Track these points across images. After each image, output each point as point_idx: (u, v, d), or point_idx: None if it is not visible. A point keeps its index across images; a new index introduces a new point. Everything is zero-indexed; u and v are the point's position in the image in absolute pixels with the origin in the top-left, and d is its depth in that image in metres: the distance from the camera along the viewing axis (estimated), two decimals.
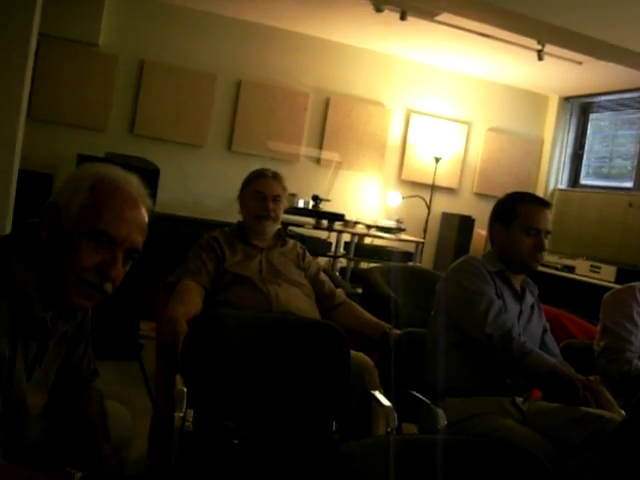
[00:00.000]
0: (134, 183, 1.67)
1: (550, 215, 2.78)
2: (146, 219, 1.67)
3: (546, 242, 2.73)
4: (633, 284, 3.27)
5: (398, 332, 2.98)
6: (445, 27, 6.19)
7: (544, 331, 2.87)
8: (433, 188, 7.76)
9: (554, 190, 8.71)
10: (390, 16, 5.89)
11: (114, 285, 1.63)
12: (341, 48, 7.56)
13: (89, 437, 1.79)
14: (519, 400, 2.57)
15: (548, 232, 2.75)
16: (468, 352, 2.62)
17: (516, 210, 2.76)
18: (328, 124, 7.62)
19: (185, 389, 2.31)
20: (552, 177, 8.73)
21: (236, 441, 2.40)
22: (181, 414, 2.26)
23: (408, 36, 6.85)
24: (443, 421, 2.43)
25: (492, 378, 2.59)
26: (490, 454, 1.58)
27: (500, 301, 2.66)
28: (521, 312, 2.76)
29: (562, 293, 6.74)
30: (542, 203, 2.80)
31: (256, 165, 3.63)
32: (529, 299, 2.84)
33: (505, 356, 2.52)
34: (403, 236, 7.24)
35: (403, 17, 5.80)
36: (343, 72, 7.63)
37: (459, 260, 2.83)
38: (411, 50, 7.53)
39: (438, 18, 5.90)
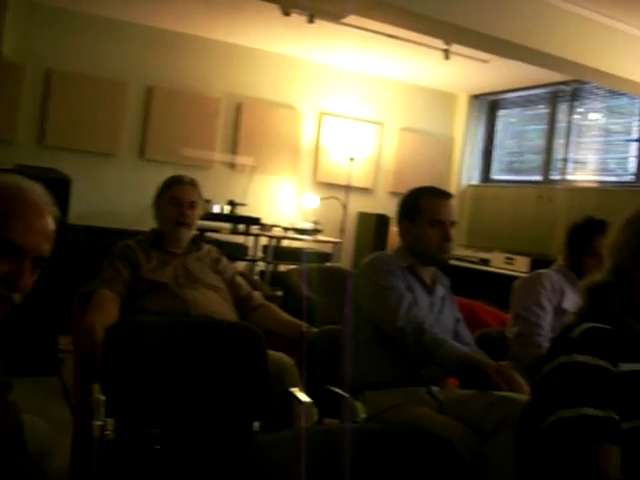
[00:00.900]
0: (38, 191, 1.64)
1: (453, 206, 2.84)
2: (53, 227, 1.65)
3: (452, 232, 2.78)
4: (540, 271, 3.39)
5: (316, 331, 3.02)
6: (353, 29, 6.28)
7: (457, 321, 2.94)
8: (348, 189, 7.85)
9: (467, 186, 8.91)
10: (298, 20, 5.94)
11: (22, 295, 1.61)
12: (251, 53, 7.58)
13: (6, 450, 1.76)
14: (435, 389, 2.63)
15: (453, 222, 2.80)
16: (383, 346, 2.66)
17: (419, 205, 2.81)
18: (241, 129, 7.63)
19: (103, 397, 2.30)
20: (464, 173, 8.93)
21: (158, 447, 2.40)
22: (100, 423, 2.24)
23: (317, 39, 6.92)
24: (362, 414, 2.47)
25: (407, 369, 2.64)
26: (404, 442, 1.61)
27: (411, 295, 2.71)
28: (433, 304, 2.82)
29: (479, 285, 6.89)
30: (443, 195, 2.86)
31: (170, 172, 3.61)
32: (440, 291, 2.90)
33: (418, 348, 2.57)
34: (320, 237, 7.30)
35: (311, 20, 5.86)
36: (254, 77, 7.65)
37: (369, 257, 2.87)
38: (321, 53, 7.61)
39: (345, 20, 5.97)
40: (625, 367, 1.56)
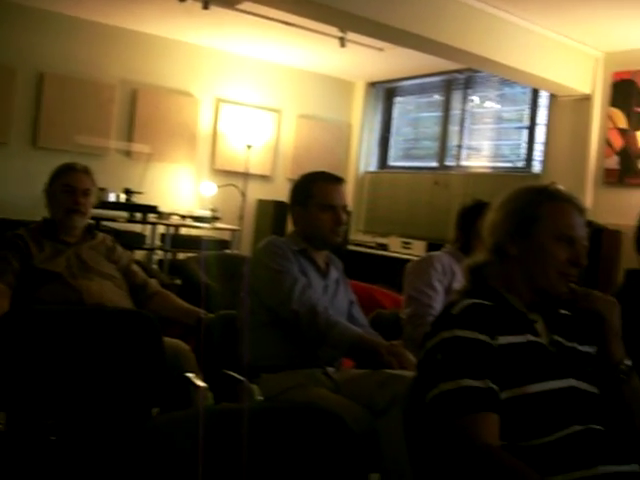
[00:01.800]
0: None
1: (344, 190, 2.90)
2: None
3: (343, 216, 2.84)
4: (431, 254, 3.50)
5: (212, 316, 3.03)
6: (248, 16, 6.26)
7: (351, 304, 3.00)
8: (247, 176, 7.85)
9: (365, 173, 9.03)
10: (193, 5, 5.90)
11: None
12: (147, 39, 7.47)
13: None
14: (330, 370, 2.68)
15: (344, 207, 2.86)
16: (278, 329, 2.70)
17: (310, 190, 2.86)
18: (137, 116, 7.52)
19: None
20: (362, 160, 9.05)
21: (53, 438, 2.37)
22: None
23: (213, 25, 6.88)
24: (259, 397, 2.51)
25: (303, 351, 2.68)
26: (297, 420, 1.65)
27: (305, 278, 2.75)
28: (327, 287, 2.87)
29: (378, 270, 7.02)
30: (334, 180, 2.91)
31: (64, 160, 3.54)
32: (334, 274, 2.95)
33: (312, 330, 2.62)
34: (219, 225, 7.28)
35: (206, 6, 5.83)
36: (150, 63, 7.54)
37: (263, 242, 2.90)
38: (217, 40, 7.56)
39: (240, 7, 5.96)
40: (503, 340, 1.65)
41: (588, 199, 6.55)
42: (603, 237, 6.10)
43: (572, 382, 1.70)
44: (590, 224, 6.03)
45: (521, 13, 5.85)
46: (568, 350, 1.78)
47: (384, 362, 2.54)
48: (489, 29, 5.82)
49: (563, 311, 1.80)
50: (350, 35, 6.50)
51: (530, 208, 1.78)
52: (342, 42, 6.62)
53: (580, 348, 1.80)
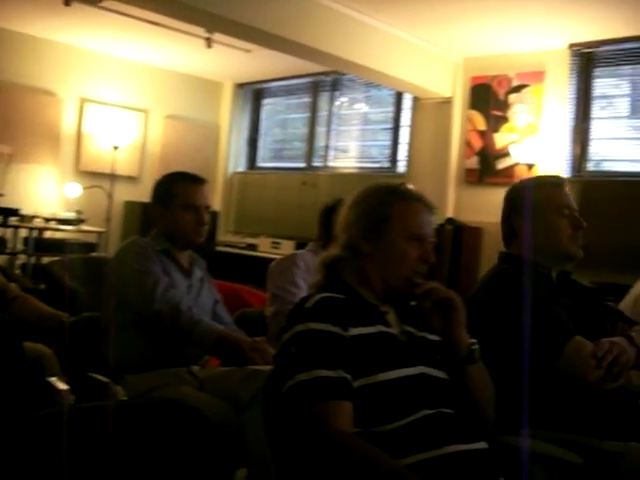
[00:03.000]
0: None
1: (206, 191, 2.94)
2: None
3: (206, 217, 2.87)
4: (294, 252, 3.58)
5: (74, 319, 2.99)
6: (113, 14, 6.16)
7: (215, 302, 3.03)
8: (113, 177, 7.72)
9: (233, 173, 9.05)
10: (55, 2, 5.76)
11: None
12: (7, 35, 7.20)
13: None
14: (195, 368, 2.71)
15: (207, 207, 2.90)
16: (142, 329, 2.70)
17: (173, 190, 2.87)
18: None
19: None
20: (231, 161, 9.07)
21: None
22: None
23: (76, 23, 6.73)
24: (123, 397, 2.50)
25: (167, 351, 2.70)
26: (156, 416, 1.67)
27: (167, 278, 2.76)
28: (191, 286, 2.89)
29: (247, 270, 7.05)
30: (197, 180, 2.93)
31: None
32: (198, 273, 2.98)
33: (176, 328, 2.63)
34: (84, 227, 7.13)
35: (67, 3, 5.71)
36: (11, 60, 7.27)
37: (125, 242, 2.90)
38: (81, 38, 7.41)
39: (104, 4, 5.86)
40: (355, 331, 1.73)
41: (450, 198, 6.81)
42: (464, 233, 6.37)
43: (422, 369, 1.79)
44: (452, 221, 6.30)
45: (386, 19, 6.02)
46: (419, 339, 1.87)
47: (247, 358, 2.59)
48: (354, 33, 5.95)
49: (414, 303, 1.89)
50: (217, 36, 6.50)
51: (382, 208, 1.86)
52: (208, 43, 6.63)
53: (430, 337, 1.90)
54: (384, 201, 1.87)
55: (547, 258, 2.34)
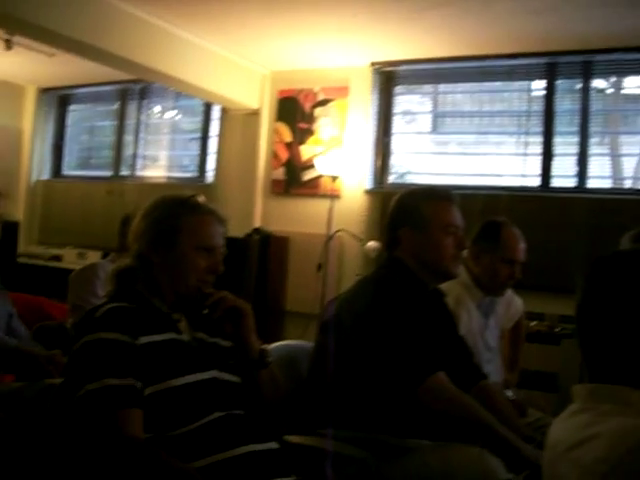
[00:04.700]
0: None
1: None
2: None
3: None
4: (95, 262, 3.56)
5: None
6: None
7: (10, 317, 2.94)
8: None
9: (37, 181, 8.72)
10: None
11: None
12: None
13: None
14: None
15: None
16: None
17: None
18: None
19: None
20: (35, 168, 8.73)
21: None
22: None
23: None
24: None
25: None
26: None
27: None
28: None
29: (52, 282, 6.81)
30: None
31: None
32: None
33: None
34: None
35: None
36: None
37: None
38: None
39: None
40: (145, 339, 1.76)
41: (257, 208, 6.92)
42: (271, 243, 6.49)
43: (214, 374, 1.86)
44: (259, 231, 6.37)
45: (194, 30, 6.02)
46: (211, 345, 1.94)
47: (44, 372, 2.54)
48: (162, 43, 5.91)
49: (205, 311, 1.95)
50: (18, 38, 6.26)
51: (171, 219, 1.90)
52: (8, 45, 6.37)
53: (223, 343, 1.97)
54: (173, 213, 1.91)
55: (426, 272, 2.37)
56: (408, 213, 2.40)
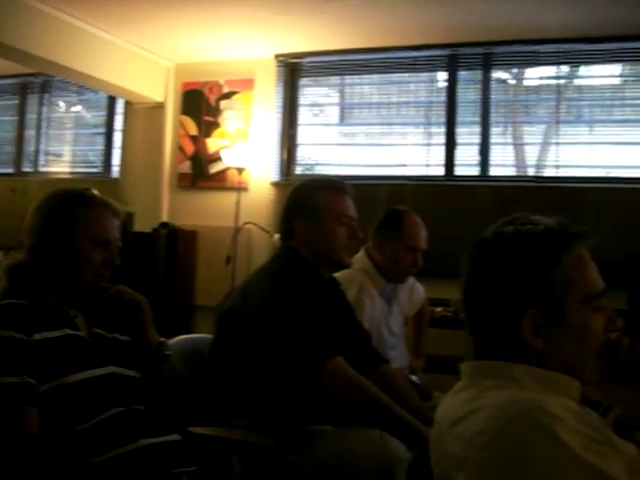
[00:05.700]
0: None
1: None
2: None
3: None
4: None
5: None
6: None
7: None
8: None
9: None
10: None
11: None
12: None
13: None
14: None
15: None
16: None
17: None
18: None
19: None
20: None
21: None
22: None
23: None
24: None
25: None
26: None
27: None
28: None
29: None
30: None
31: None
32: None
33: None
34: None
35: None
36: None
37: None
38: None
39: None
40: (39, 336, 1.73)
41: (164, 202, 6.84)
42: (179, 237, 6.42)
43: (112, 369, 1.84)
44: (166, 225, 6.30)
45: (95, 22, 5.90)
46: (109, 340, 1.91)
47: None
48: (63, 36, 5.76)
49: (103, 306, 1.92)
50: None
51: (66, 213, 1.87)
52: None
53: (121, 338, 1.95)
54: (68, 207, 1.88)
55: (320, 262, 2.40)
56: (302, 204, 2.45)
